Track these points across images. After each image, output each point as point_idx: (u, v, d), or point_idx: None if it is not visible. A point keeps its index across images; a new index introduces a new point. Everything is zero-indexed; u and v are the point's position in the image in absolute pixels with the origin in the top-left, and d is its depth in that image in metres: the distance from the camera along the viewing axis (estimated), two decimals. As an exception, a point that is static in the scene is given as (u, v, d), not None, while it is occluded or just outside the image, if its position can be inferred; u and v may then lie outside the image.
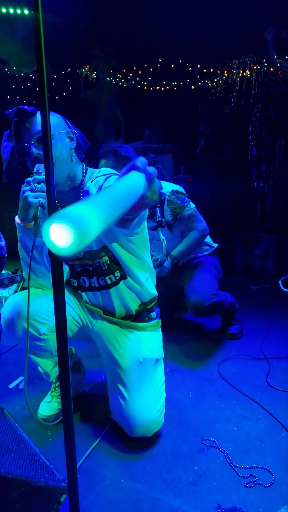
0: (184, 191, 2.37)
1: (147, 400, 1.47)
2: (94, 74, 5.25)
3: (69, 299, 1.59)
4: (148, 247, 1.57)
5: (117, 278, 1.51)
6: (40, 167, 1.28)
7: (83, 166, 1.49)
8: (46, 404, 1.66)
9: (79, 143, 1.45)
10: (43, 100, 0.80)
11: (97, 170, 1.51)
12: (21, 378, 1.97)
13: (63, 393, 0.89)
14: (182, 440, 1.51)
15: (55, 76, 5.44)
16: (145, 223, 1.45)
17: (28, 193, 1.24)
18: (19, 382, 1.93)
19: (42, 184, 1.24)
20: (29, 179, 1.27)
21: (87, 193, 1.45)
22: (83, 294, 1.60)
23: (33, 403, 1.76)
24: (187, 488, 1.27)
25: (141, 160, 0.77)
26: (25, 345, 1.49)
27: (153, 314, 1.61)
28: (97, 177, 1.46)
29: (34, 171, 1.28)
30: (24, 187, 1.27)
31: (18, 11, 4.77)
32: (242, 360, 2.15)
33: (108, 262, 1.49)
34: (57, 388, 1.70)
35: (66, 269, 1.55)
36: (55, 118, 1.41)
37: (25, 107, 1.33)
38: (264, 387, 1.86)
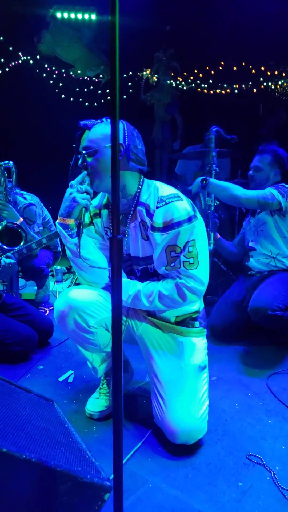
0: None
1: (188, 406, 1.45)
2: (155, 77, 5.29)
3: None
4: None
5: None
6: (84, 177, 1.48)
7: (140, 177, 1.54)
8: (94, 400, 1.69)
9: (127, 155, 1.47)
10: (114, 109, 0.82)
11: (153, 182, 1.55)
12: (70, 372, 2.03)
13: (114, 393, 0.90)
14: (226, 453, 1.47)
15: (117, 79, 5.54)
16: None
17: (75, 194, 1.42)
18: (68, 376, 1.99)
19: (86, 185, 1.44)
20: (72, 182, 1.45)
21: (142, 204, 1.50)
22: None
23: (80, 398, 1.81)
24: (230, 504, 1.24)
25: None
26: (75, 339, 1.56)
27: (197, 323, 1.60)
28: (151, 194, 1.50)
29: (77, 180, 1.46)
30: (70, 189, 1.45)
31: (86, 16, 4.94)
32: (293, 376, 2.06)
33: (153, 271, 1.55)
34: (104, 385, 1.73)
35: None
36: (108, 129, 1.45)
37: (82, 122, 1.52)
38: None
